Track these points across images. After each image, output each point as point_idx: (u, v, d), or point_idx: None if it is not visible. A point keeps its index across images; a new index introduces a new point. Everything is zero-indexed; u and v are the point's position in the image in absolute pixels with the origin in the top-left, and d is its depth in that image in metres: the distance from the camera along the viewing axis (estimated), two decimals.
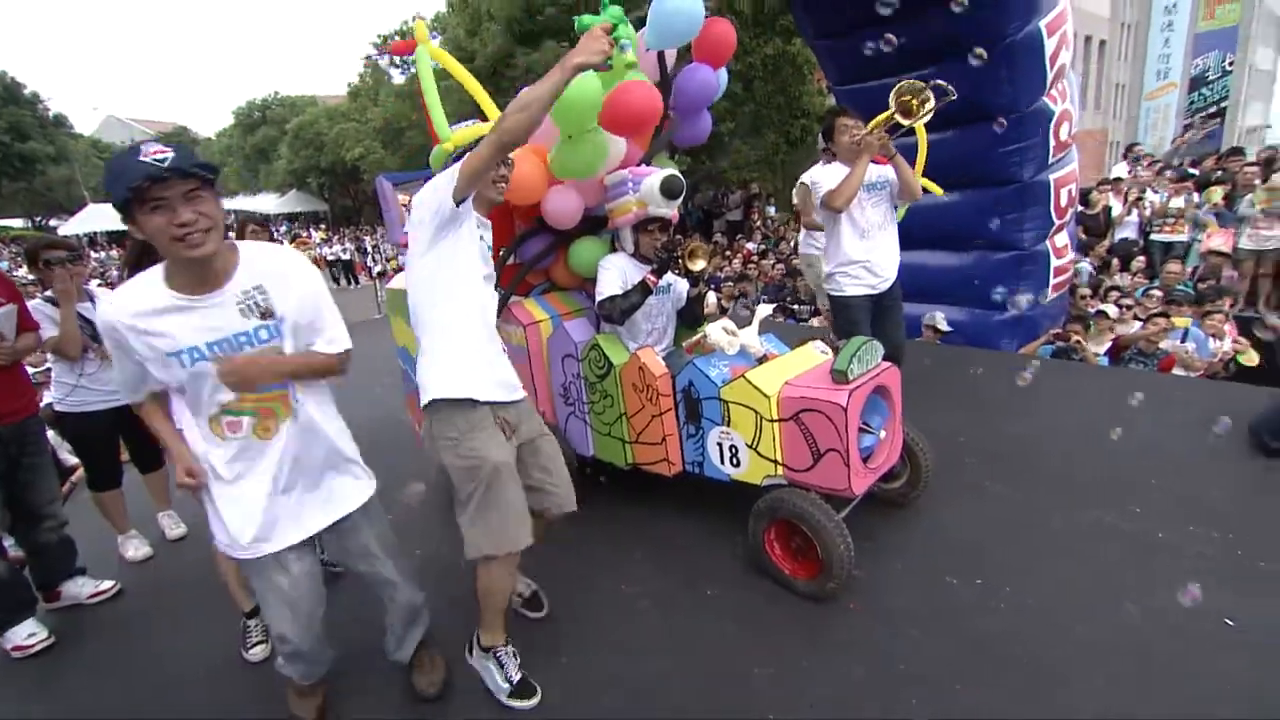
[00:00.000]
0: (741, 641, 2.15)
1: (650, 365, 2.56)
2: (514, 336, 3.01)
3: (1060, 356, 5.03)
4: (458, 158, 1.86)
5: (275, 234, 18.44)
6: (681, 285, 2.84)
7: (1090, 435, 3.30)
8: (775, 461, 2.33)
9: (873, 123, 3.03)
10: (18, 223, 33.29)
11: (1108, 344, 5.18)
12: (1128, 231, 7.59)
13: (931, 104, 2.84)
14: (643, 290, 2.57)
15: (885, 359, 3.28)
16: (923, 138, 3.81)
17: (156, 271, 1.50)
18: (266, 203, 31.82)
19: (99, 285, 4.18)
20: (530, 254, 2.96)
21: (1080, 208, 7.99)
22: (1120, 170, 9.37)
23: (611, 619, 2.33)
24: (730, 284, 8.01)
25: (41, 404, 3.13)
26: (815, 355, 2.44)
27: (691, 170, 15.23)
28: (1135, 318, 5.38)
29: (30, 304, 2.80)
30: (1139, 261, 6.96)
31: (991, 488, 2.91)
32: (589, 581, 2.53)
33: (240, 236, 3.33)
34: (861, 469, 2.21)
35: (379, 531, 1.84)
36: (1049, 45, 4.79)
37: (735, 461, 2.45)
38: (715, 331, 2.49)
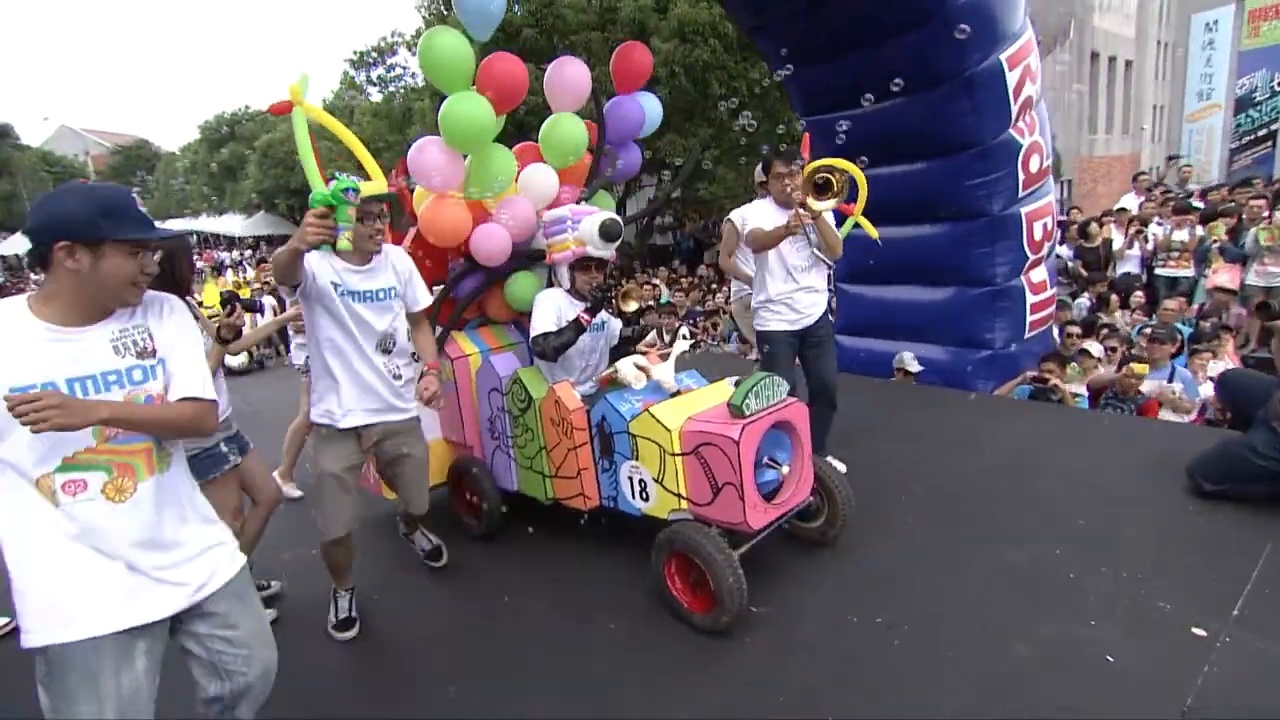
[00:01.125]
0: (627, 671, 2.42)
1: (565, 399, 2.87)
2: (444, 370, 3.33)
3: (1038, 398, 5.31)
4: None
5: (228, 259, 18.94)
6: (615, 324, 3.18)
7: (1031, 475, 3.59)
8: (679, 495, 2.62)
9: (798, 178, 3.38)
10: None
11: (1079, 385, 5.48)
12: (1130, 266, 7.91)
13: (842, 195, 3.23)
14: (576, 328, 2.90)
15: (815, 397, 3.63)
16: (861, 181, 4.18)
17: (20, 300, 1.55)
18: (232, 224, 32.58)
19: None
20: (465, 291, 3.31)
21: (1080, 240, 8.40)
22: (1129, 200, 9.72)
23: (505, 645, 2.60)
24: (704, 318, 8.39)
25: None
26: (726, 391, 2.74)
27: (683, 199, 15.82)
28: (1125, 357, 5.65)
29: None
30: (1138, 297, 7.26)
31: (917, 525, 3.19)
32: (490, 608, 2.82)
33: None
34: (760, 504, 2.50)
35: (250, 607, 1.76)
36: (1011, 77, 5.21)
37: (645, 496, 2.75)
38: (625, 366, 2.81)
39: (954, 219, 5.58)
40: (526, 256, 3.27)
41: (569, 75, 3.27)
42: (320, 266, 2.42)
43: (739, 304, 5.60)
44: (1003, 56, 5.14)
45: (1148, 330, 5.79)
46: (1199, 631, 2.33)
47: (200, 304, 11.05)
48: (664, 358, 2.95)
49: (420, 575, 3.17)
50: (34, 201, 1.60)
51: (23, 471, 1.47)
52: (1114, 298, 7.24)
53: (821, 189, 3.25)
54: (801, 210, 3.20)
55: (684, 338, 3.05)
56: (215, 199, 34.41)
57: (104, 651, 1.49)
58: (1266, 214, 6.88)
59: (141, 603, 1.55)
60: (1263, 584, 2.55)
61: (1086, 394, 5.39)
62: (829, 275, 4.03)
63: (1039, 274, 5.77)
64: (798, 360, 3.70)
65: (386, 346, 2.58)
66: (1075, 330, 6.22)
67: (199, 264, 24.41)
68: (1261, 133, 18.59)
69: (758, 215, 3.49)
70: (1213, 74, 20.32)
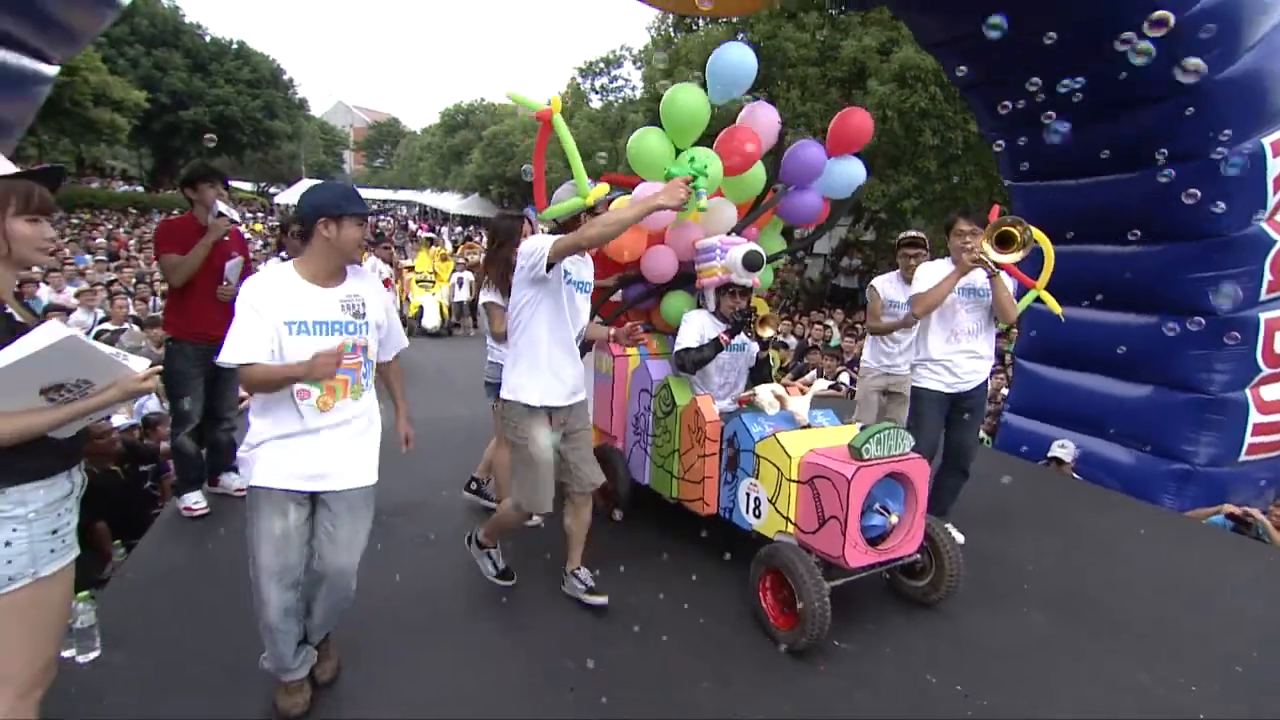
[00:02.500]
0: (703, 663, 2.71)
1: (705, 410, 3.26)
2: (603, 364, 3.87)
3: (1243, 534, 4.70)
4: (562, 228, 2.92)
5: (437, 235, 21.67)
6: (753, 346, 3.52)
7: (1190, 605, 3.36)
8: (788, 519, 2.89)
9: (980, 239, 3.49)
10: (248, 186, 42.22)
11: None
12: None
13: (1026, 250, 3.26)
14: (715, 346, 3.29)
15: (949, 462, 3.69)
16: (1049, 251, 4.10)
17: (290, 264, 2.28)
18: (449, 201, 36.98)
19: None
20: (631, 295, 3.83)
21: None
22: None
23: (609, 638, 2.93)
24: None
25: None
26: (852, 433, 2.97)
27: (875, 246, 15.55)
28: None
29: (271, 261, 4.43)
30: None
31: (1033, 616, 3.17)
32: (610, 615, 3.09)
33: (283, 233, 4.88)
34: (861, 544, 2.71)
35: (359, 522, 2.33)
36: (1273, 166, 4.76)
37: (757, 513, 3.05)
38: (763, 392, 3.13)
39: (1173, 313, 5.16)
40: (686, 276, 3.70)
41: (760, 120, 3.65)
42: None
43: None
44: (1266, 140, 4.73)
45: None
46: None
47: (411, 268, 12.76)
48: (803, 392, 3.24)
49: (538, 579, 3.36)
50: (308, 193, 2.32)
51: None
52: None
53: (1004, 242, 3.33)
54: (980, 257, 3.31)
55: (824, 378, 3.30)
56: (441, 177, 39.31)
57: (279, 499, 2.22)
58: None
59: (308, 478, 2.24)
60: None
61: None
62: (1000, 348, 4.02)
63: (1275, 392, 5.19)
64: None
65: (580, 333, 2.95)
66: None
67: (417, 231, 28.24)
68: None
69: (931, 274, 3.64)
70: None
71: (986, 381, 3.79)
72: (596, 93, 24.77)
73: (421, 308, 11.02)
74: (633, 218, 2.58)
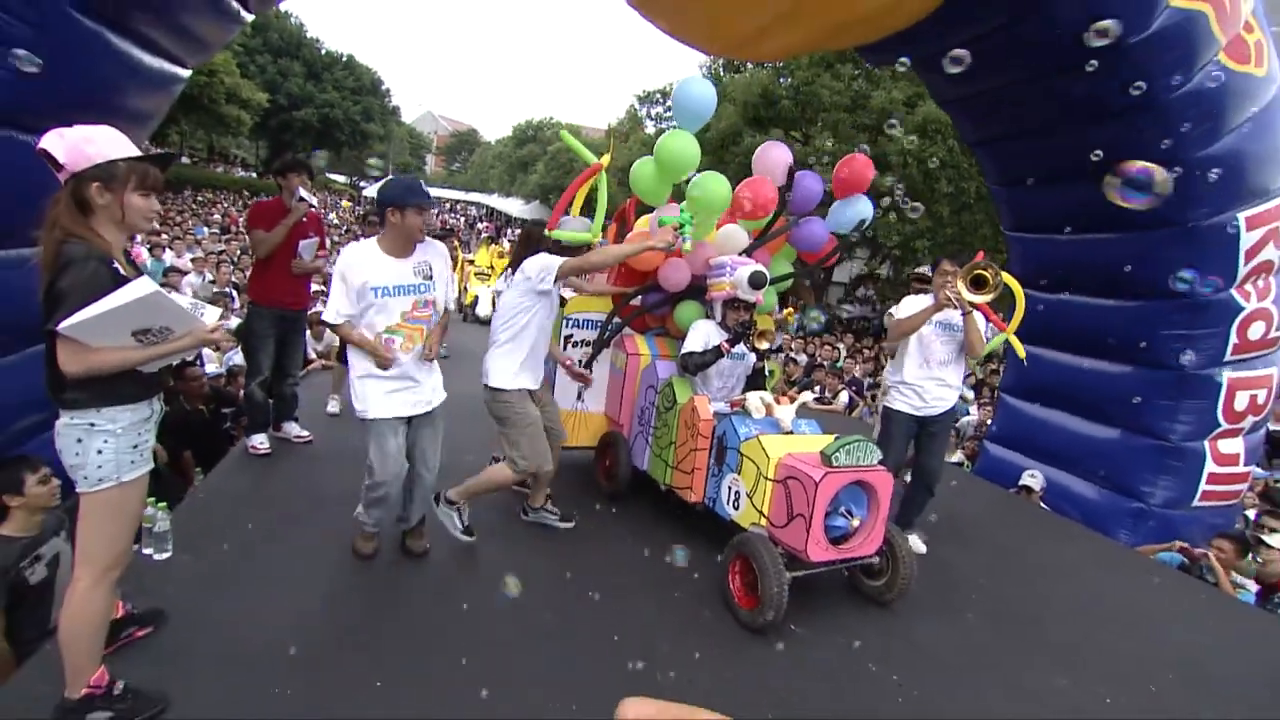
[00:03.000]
0: (665, 629, 2.77)
1: (700, 409, 3.31)
2: (618, 360, 3.94)
3: (1188, 572, 4.51)
4: (560, 248, 3.15)
5: (497, 235, 22.04)
6: (751, 356, 3.55)
7: (1127, 633, 3.30)
8: (762, 513, 2.93)
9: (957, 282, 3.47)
10: (341, 179, 43.46)
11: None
12: None
13: (995, 293, 3.27)
14: (716, 353, 3.34)
15: (915, 482, 3.68)
16: (1020, 297, 4.04)
17: (373, 240, 2.73)
18: (513, 206, 37.48)
19: None
20: (649, 301, 3.89)
21: None
22: None
23: (566, 606, 2.94)
24: (870, 390, 8.30)
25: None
26: (828, 442, 2.98)
27: (891, 280, 15.35)
28: None
29: (351, 244, 4.68)
30: None
31: (976, 624, 3.14)
32: (562, 581, 3.11)
33: (363, 222, 6.17)
34: (822, 541, 2.73)
35: (439, 431, 2.95)
36: (1247, 238, 4.63)
37: (736, 505, 3.09)
38: (753, 398, 3.16)
39: (1143, 365, 5.06)
40: (698, 288, 3.74)
41: (773, 156, 3.74)
42: None
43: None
44: (1242, 215, 4.61)
45: None
46: None
47: (472, 262, 13.05)
48: (791, 401, 3.26)
49: (498, 545, 3.37)
50: (383, 188, 2.73)
51: (373, 330, 2.69)
52: None
53: (978, 284, 3.33)
54: (953, 296, 3.32)
55: (812, 392, 3.31)
56: (508, 184, 39.91)
57: (391, 425, 2.75)
58: None
59: (405, 404, 2.77)
60: None
61: (1255, 588, 4.55)
62: (972, 377, 4.03)
63: (1231, 446, 5.03)
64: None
65: None
66: (1274, 524, 5.13)
67: (482, 229, 28.78)
68: None
69: (907, 307, 3.64)
70: None
71: (954, 409, 3.77)
72: (651, 119, 24.85)
73: (476, 298, 11.23)
74: (628, 253, 2.96)
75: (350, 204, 34.93)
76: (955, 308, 3.44)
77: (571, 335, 3.99)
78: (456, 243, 11.23)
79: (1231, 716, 2.73)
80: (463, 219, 35.69)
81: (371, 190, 35.64)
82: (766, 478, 2.91)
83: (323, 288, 9.44)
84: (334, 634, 2.49)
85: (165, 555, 2.81)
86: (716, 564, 3.07)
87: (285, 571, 2.85)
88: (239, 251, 11.73)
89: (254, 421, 4.12)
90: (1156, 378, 5.00)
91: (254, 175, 34.32)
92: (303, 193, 3.96)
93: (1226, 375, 4.88)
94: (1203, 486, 5.02)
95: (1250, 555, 4.63)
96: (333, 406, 5.09)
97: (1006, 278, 3.44)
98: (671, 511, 3.68)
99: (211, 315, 1.91)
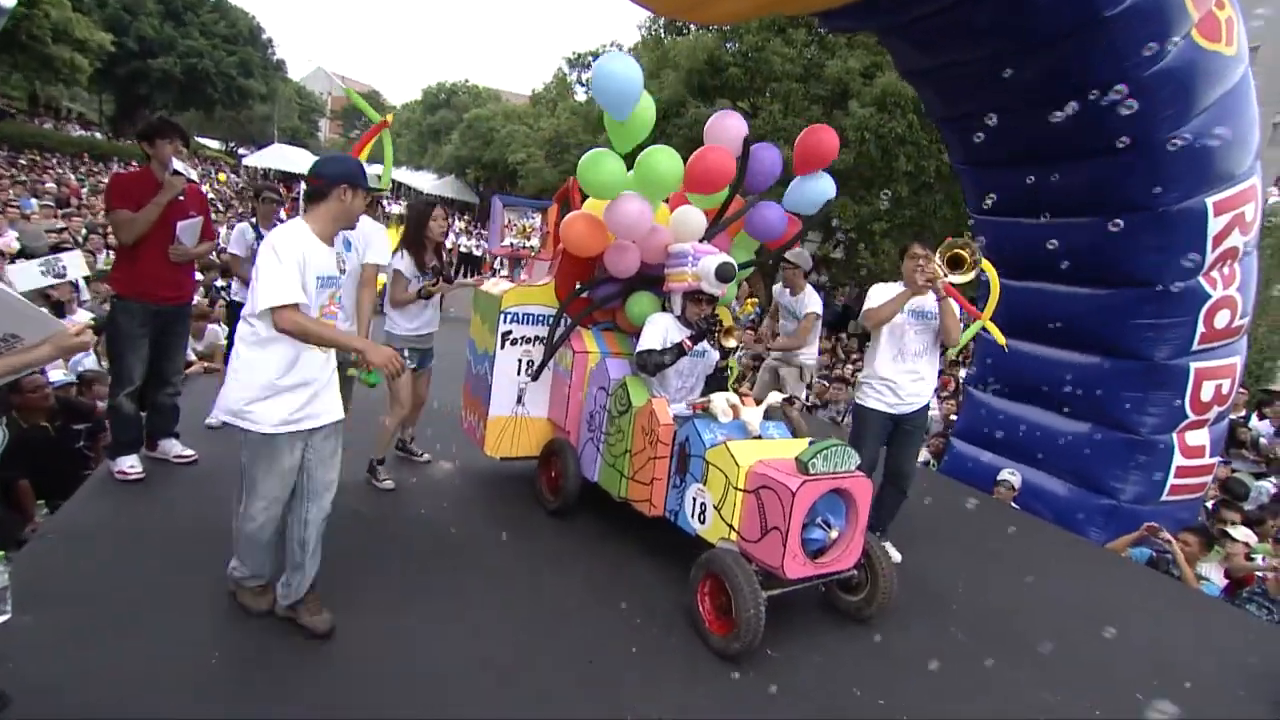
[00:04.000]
0: (632, 659, 2.73)
1: (659, 413, 3.27)
2: (563, 360, 3.86)
3: (1157, 567, 4.89)
4: None
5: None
6: (714, 354, 3.54)
7: (1100, 633, 3.50)
8: (732, 527, 2.92)
9: (932, 260, 3.58)
10: (215, 144, 40.80)
11: (1218, 570, 4.99)
12: None
13: (972, 272, 3.40)
14: (677, 351, 3.31)
15: (889, 480, 3.78)
16: (995, 282, 4.23)
17: (301, 221, 2.58)
18: (425, 181, 36.42)
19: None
20: (599, 295, 3.83)
21: None
22: None
23: (529, 624, 2.93)
24: (823, 384, 8.51)
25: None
26: (802, 447, 3.00)
27: (845, 266, 15.80)
28: None
29: (240, 225, 4.72)
30: None
31: (959, 635, 3.26)
32: (525, 593, 3.15)
33: (256, 199, 5.08)
34: (800, 556, 2.75)
35: (338, 452, 2.69)
36: (1214, 223, 4.95)
37: (702, 519, 3.07)
38: (718, 400, 3.16)
39: (1111, 355, 5.39)
40: (652, 279, 3.70)
41: (726, 127, 3.69)
42: None
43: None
44: (1210, 199, 4.92)
45: None
46: None
47: None
48: (757, 403, 3.27)
49: (463, 554, 3.46)
50: (330, 160, 2.70)
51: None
52: None
53: (954, 264, 3.44)
54: (929, 277, 3.43)
55: (780, 392, 3.34)
56: (418, 155, 38.62)
57: (287, 439, 2.51)
58: None
59: (308, 415, 2.54)
60: None
61: (1222, 581, 4.93)
62: (947, 373, 4.18)
63: (1198, 438, 5.41)
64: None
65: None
66: (1232, 516, 5.58)
67: (387, 207, 27.88)
68: None
69: (881, 294, 3.72)
70: None
71: (928, 405, 3.90)
72: (582, 85, 24.70)
73: (386, 285, 10.83)
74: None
75: (226, 176, 32.75)
76: (927, 293, 3.54)
77: (510, 332, 3.88)
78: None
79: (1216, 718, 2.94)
80: (305, 185, 34.64)
81: (253, 159, 33.70)
82: (736, 488, 2.91)
83: (223, 280, 8.96)
84: (229, 709, 2.26)
85: (2, 617, 2.49)
86: (680, 583, 3.06)
87: (166, 632, 2.51)
88: (84, 231, 10.82)
89: (120, 440, 3.74)
90: (1126, 368, 5.31)
91: (97, 135, 31.38)
92: (177, 164, 3.66)
93: (1194, 365, 5.21)
94: (1171, 480, 5.37)
95: (1214, 548, 5.05)
96: (215, 419, 4.70)
97: (984, 263, 3.57)
98: (627, 523, 3.63)
99: (82, 317, 1.69)
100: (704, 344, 3.46)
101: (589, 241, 3.60)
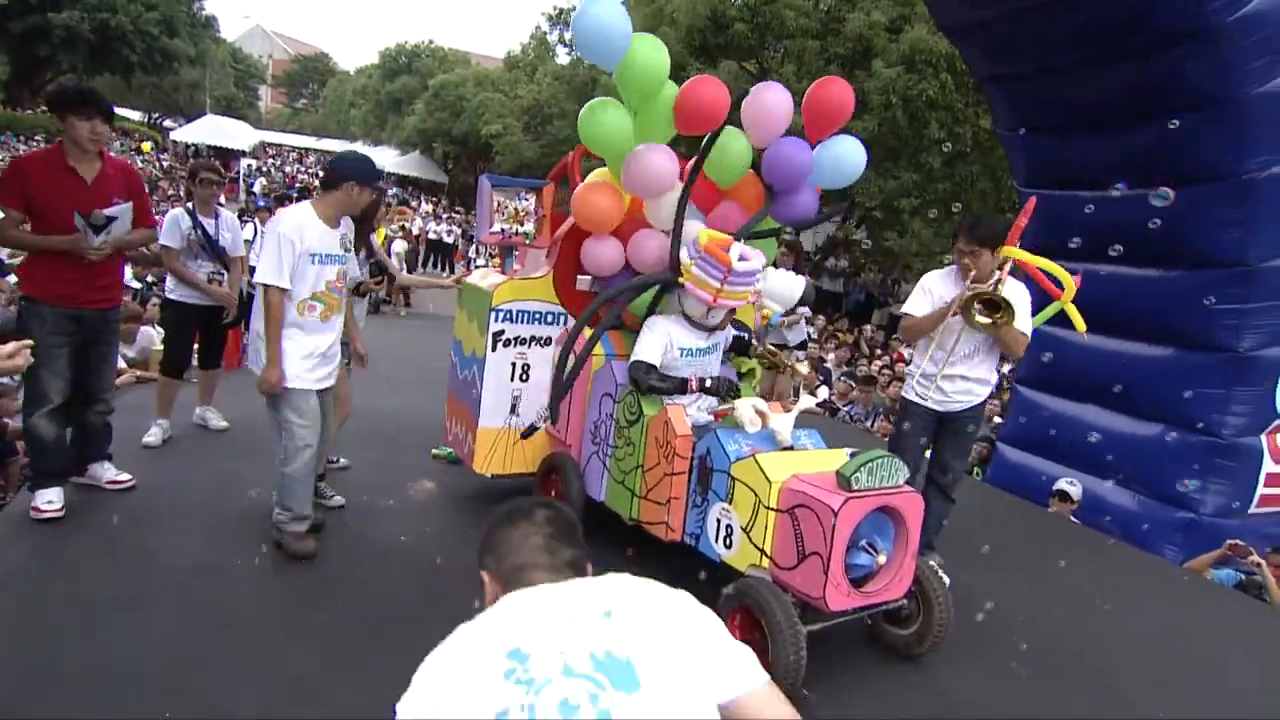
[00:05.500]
0: None
1: (676, 423, 3.28)
2: None
3: (1245, 589, 4.90)
4: None
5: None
6: (726, 336, 3.60)
7: (1187, 665, 3.54)
8: (763, 552, 2.93)
9: (964, 297, 3.60)
10: (136, 115, 40.23)
11: None
12: None
13: (1008, 321, 3.54)
14: (680, 388, 3.31)
15: (932, 484, 3.80)
16: (1069, 283, 4.14)
17: (309, 204, 3.48)
18: (385, 157, 36.23)
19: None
20: (617, 292, 3.68)
21: None
22: None
23: None
24: (845, 383, 8.58)
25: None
26: (840, 459, 3.01)
27: (870, 251, 15.82)
28: None
29: (174, 211, 4.79)
30: None
31: (1021, 674, 3.28)
32: None
33: (191, 180, 5.09)
34: (844, 585, 2.76)
35: (330, 407, 3.71)
36: None
37: (728, 543, 3.08)
38: (744, 407, 3.16)
39: (1187, 345, 5.40)
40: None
41: (769, 102, 3.54)
42: None
43: None
44: None
45: None
46: None
47: None
48: (787, 409, 3.28)
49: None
50: (345, 157, 3.80)
51: (296, 297, 3.33)
52: None
53: (989, 306, 3.54)
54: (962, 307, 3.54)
55: (814, 395, 3.35)
56: (376, 129, 38.39)
57: (307, 394, 3.44)
58: None
59: (325, 378, 3.52)
60: None
61: None
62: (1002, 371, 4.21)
63: None
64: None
65: None
66: None
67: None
68: None
69: (940, 284, 3.80)
70: None
71: (983, 404, 3.95)
72: (565, 45, 24.70)
73: None
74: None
75: (151, 148, 32.04)
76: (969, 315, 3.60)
77: (502, 332, 3.87)
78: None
79: None
80: (320, 174, 33.98)
81: (182, 133, 33.38)
82: (768, 507, 2.91)
83: (150, 278, 8.69)
84: None
85: None
86: None
87: (80, 678, 2.49)
88: None
89: (40, 470, 3.62)
90: (1204, 361, 5.31)
91: None
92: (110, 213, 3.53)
93: None
94: (1260, 490, 5.39)
95: None
96: (153, 436, 4.63)
97: (1048, 264, 3.66)
98: (639, 547, 3.61)
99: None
100: (717, 336, 3.48)
101: (607, 213, 3.60)
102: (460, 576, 3.57)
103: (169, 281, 4.82)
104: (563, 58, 24.26)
